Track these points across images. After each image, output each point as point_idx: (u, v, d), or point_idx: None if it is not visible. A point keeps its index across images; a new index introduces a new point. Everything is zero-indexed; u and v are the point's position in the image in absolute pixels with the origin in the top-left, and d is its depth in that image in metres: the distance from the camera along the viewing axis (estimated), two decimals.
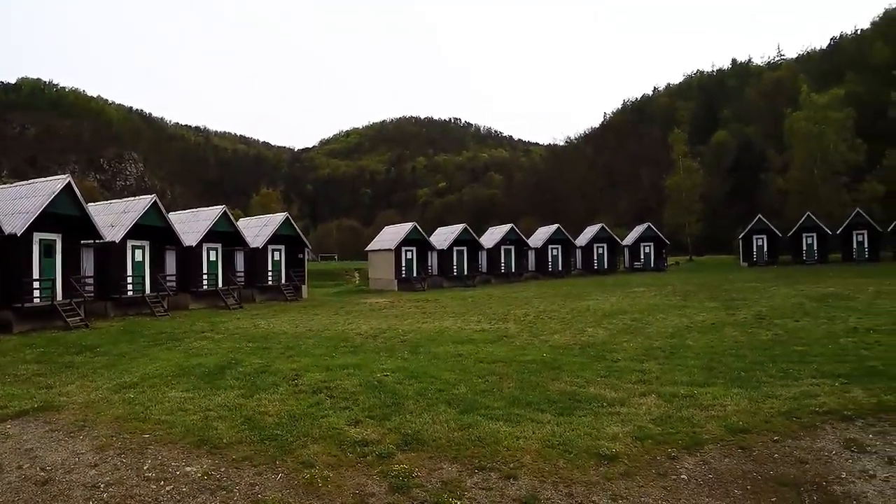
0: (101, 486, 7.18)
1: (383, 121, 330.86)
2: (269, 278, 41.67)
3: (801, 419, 9.08)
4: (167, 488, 7.05)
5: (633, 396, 10.71)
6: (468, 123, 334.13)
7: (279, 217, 44.11)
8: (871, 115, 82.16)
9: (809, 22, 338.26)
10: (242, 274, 39.99)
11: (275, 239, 42.12)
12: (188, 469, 7.66)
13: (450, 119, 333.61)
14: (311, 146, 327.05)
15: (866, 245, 64.64)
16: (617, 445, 8.06)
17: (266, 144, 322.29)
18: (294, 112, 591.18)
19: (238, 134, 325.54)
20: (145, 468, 7.73)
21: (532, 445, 8.13)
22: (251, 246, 39.91)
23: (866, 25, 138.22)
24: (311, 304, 36.97)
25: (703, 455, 7.81)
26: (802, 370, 12.43)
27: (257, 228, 43.13)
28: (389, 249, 50.95)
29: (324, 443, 8.46)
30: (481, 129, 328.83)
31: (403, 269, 50.82)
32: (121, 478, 7.40)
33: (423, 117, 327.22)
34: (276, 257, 42.59)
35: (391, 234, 54.60)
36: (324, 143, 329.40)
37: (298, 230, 44.93)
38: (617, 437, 8.40)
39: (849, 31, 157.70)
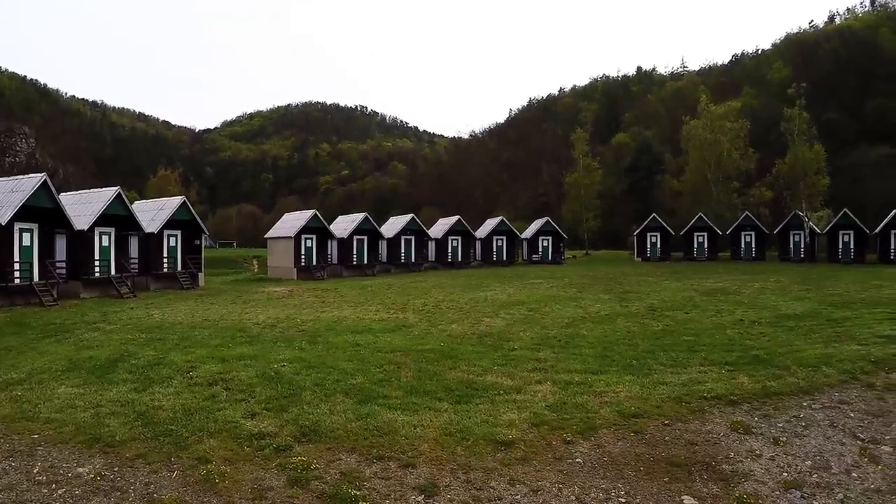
0: None
1: (288, 105, 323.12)
2: (165, 265, 39.74)
3: (690, 404, 9.55)
4: (59, 491, 6.77)
5: (529, 384, 10.93)
6: (374, 112, 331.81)
7: (176, 201, 42.19)
8: (764, 128, 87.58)
9: (713, 38, 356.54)
10: (136, 261, 37.72)
11: (171, 224, 40.17)
12: (80, 470, 7.37)
13: (356, 106, 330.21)
14: (212, 127, 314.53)
15: (753, 245, 70.04)
16: (513, 432, 8.24)
17: (166, 123, 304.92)
18: (197, 90, 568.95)
19: (137, 111, 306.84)
20: (35, 471, 7.38)
21: (430, 434, 8.22)
22: (146, 231, 37.87)
23: (767, 46, 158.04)
24: (208, 292, 35.94)
25: (597, 439, 8.09)
26: (691, 358, 13.03)
27: (153, 212, 40.89)
28: (289, 237, 49.76)
29: (220, 437, 8.28)
30: (387, 118, 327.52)
31: (303, 257, 49.78)
32: (10, 483, 7.03)
33: (328, 103, 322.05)
34: (173, 243, 40.66)
35: (291, 222, 53.33)
36: (226, 124, 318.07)
37: (196, 215, 43.04)
38: (513, 424, 8.57)
39: (750, 49, 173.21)
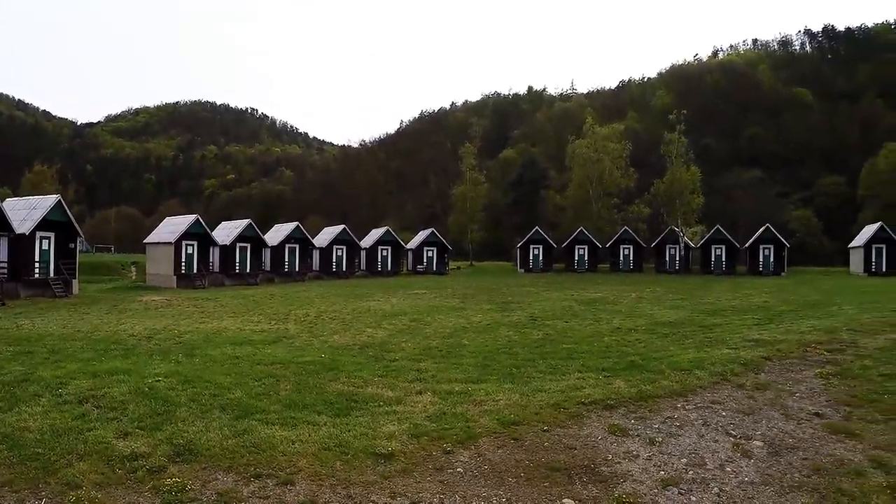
0: None
1: (177, 102, 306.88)
2: (37, 271, 37.11)
3: (568, 409, 9.68)
4: None
5: (410, 395, 10.85)
6: (264, 115, 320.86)
7: (51, 200, 39.12)
8: (646, 149, 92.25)
9: (603, 64, 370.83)
10: (6, 265, 35.10)
11: (44, 225, 37.38)
12: None
13: (246, 108, 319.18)
14: (95, 121, 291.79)
15: (631, 258, 73.83)
16: (393, 444, 8.11)
17: (46, 114, 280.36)
18: (81, 80, 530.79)
19: (16, 98, 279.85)
20: None
21: (309, 449, 7.97)
22: (17, 232, 35.24)
23: (653, 74, 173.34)
24: (83, 301, 34.06)
25: (477, 448, 8.05)
26: (570, 365, 13.29)
27: (25, 211, 37.82)
28: (169, 243, 47.74)
29: (90, 459, 7.69)
30: (277, 122, 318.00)
31: (183, 264, 47.99)
32: None
33: (219, 103, 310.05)
34: (46, 246, 37.82)
35: (172, 227, 51.07)
36: (110, 119, 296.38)
37: (72, 216, 40.29)
38: (393, 436, 8.43)
39: (637, 76, 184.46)
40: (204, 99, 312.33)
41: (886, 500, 6.47)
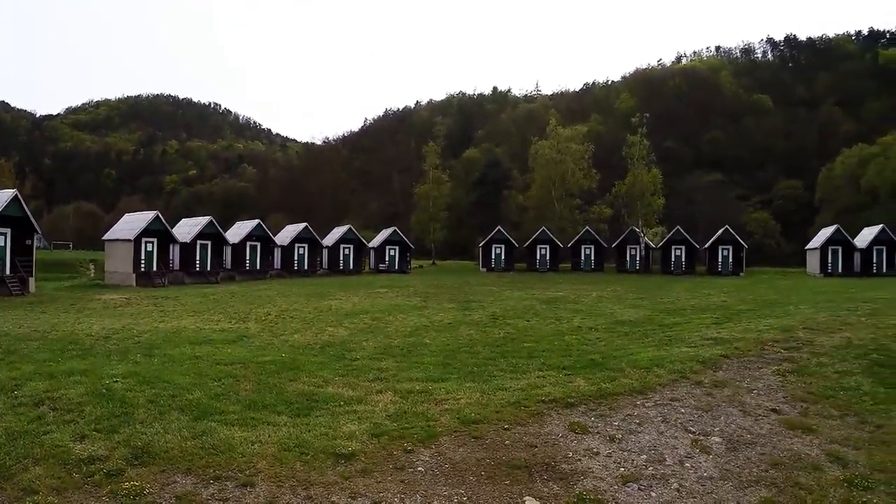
0: None
1: (139, 95, 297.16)
2: None
3: (529, 408, 9.73)
4: None
5: (371, 394, 10.81)
6: (228, 111, 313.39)
7: (7, 194, 37.97)
8: (608, 151, 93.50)
9: (568, 67, 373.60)
10: None
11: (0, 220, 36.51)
12: None
13: (209, 103, 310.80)
14: (55, 113, 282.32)
15: (593, 257, 74.19)
16: (354, 444, 8.07)
17: (4, 105, 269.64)
18: (41, 70, 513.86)
19: None
20: None
21: (268, 450, 7.89)
22: None
23: (617, 78, 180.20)
24: (40, 299, 33.33)
25: (438, 447, 8.06)
26: (530, 364, 13.37)
27: None
28: (128, 240, 46.86)
29: (47, 464, 7.50)
30: (241, 118, 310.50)
31: (143, 262, 47.11)
32: None
33: (181, 97, 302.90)
34: (1, 243, 36.88)
35: (131, 223, 50.07)
36: (70, 111, 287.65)
37: (28, 212, 39.43)
38: (353, 436, 8.40)
39: (601, 80, 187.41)
40: (167, 92, 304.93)
41: (843, 493, 6.64)
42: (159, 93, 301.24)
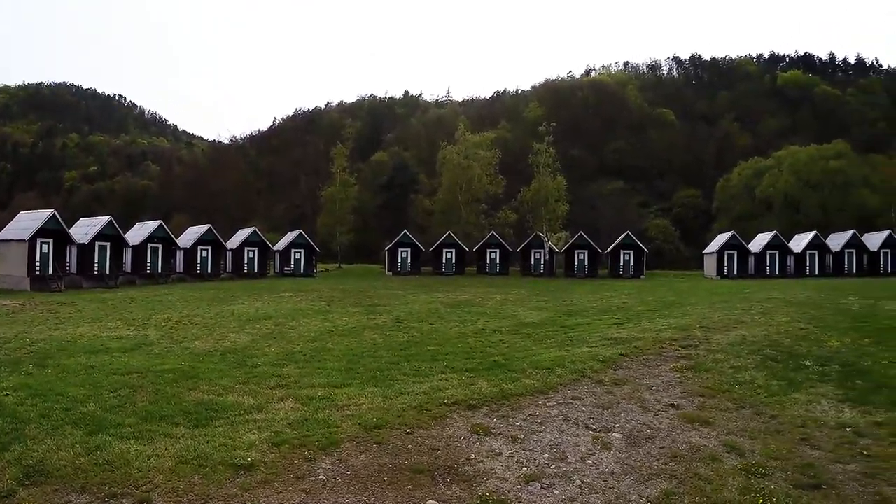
0: None
1: (40, 83, 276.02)
2: None
3: (431, 411, 9.70)
4: None
5: (271, 402, 10.57)
6: (132, 104, 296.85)
7: None
8: (515, 158, 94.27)
9: (479, 74, 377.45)
10: None
11: None
12: None
13: (113, 95, 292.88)
14: None
15: (498, 261, 75.26)
16: (253, 454, 7.83)
17: None
18: None
19: None
20: None
21: (166, 463, 7.53)
22: None
23: (527, 87, 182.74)
24: None
25: (339, 454, 7.93)
26: (434, 367, 13.35)
27: None
28: (22, 240, 44.34)
29: None
30: (146, 112, 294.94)
31: (38, 265, 44.72)
32: None
33: (85, 87, 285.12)
34: None
35: (26, 222, 47.41)
36: None
37: None
38: (253, 445, 8.16)
39: (511, 89, 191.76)
40: (69, 81, 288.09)
41: (741, 481, 6.86)
42: (62, 81, 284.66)
